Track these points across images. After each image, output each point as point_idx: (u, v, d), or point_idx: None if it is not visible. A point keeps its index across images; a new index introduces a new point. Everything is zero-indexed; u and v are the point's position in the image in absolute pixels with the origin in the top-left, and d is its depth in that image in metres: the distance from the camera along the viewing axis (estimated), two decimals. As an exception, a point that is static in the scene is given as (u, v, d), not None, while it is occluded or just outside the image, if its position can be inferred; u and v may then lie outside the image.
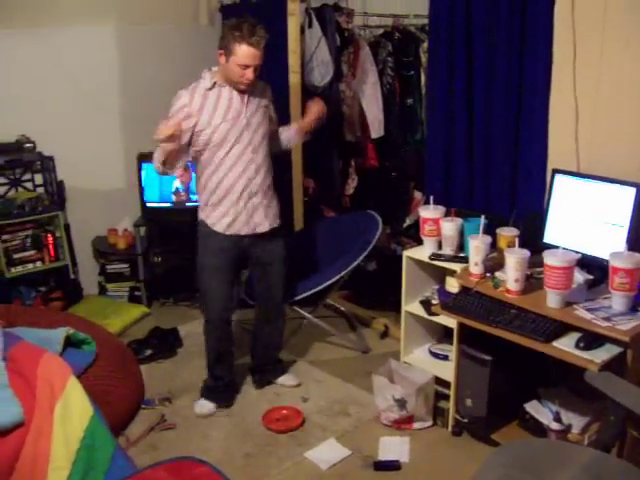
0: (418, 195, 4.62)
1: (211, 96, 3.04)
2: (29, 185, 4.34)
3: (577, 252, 2.62)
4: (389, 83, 4.41)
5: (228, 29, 2.93)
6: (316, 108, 3.34)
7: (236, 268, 3.33)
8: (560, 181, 2.90)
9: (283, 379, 3.63)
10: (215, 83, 3.05)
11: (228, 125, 3.04)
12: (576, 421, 2.82)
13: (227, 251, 3.21)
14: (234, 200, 3.13)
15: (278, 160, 3.86)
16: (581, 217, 2.82)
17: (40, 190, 4.36)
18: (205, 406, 3.40)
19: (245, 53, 2.90)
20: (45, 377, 2.88)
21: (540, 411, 2.93)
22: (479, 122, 3.30)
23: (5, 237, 4.15)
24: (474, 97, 3.29)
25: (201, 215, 3.24)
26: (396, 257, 4.23)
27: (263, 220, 3.22)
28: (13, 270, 4.20)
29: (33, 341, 3.16)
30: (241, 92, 3.06)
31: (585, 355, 2.42)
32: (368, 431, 3.22)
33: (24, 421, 2.72)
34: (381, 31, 4.59)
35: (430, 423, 3.22)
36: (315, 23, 4.27)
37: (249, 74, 2.96)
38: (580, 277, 2.69)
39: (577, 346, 2.46)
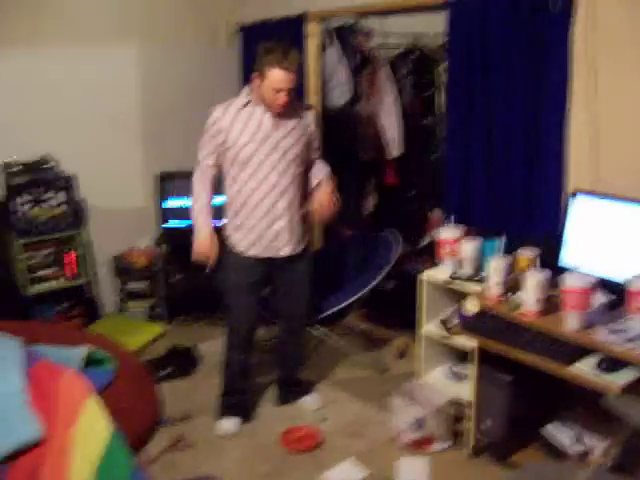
0: (436, 214, 4.62)
1: (243, 114, 3.06)
2: (51, 203, 4.38)
3: (595, 275, 2.60)
4: (408, 102, 4.43)
5: (262, 52, 2.95)
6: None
7: (261, 284, 3.35)
8: (579, 201, 2.89)
9: (304, 400, 3.63)
10: (249, 102, 3.07)
11: (255, 146, 3.05)
12: (597, 444, 2.79)
13: (250, 269, 3.23)
14: (256, 223, 3.14)
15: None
16: (600, 238, 2.80)
17: (62, 208, 4.40)
18: (229, 423, 3.40)
19: (277, 77, 2.91)
20: (65, 395, 2.89)
21: (560, 433, 2.90)
22: (498, 142, 3.29)
23: (27, 254, 4.19)
24: (493, 117, 3.29)
25: (226, 231, 3.26)
26: (414, 276, 4.22)
27: (286, 245, 3.21)
28: (34, 287, 4.23)
29: (53, 359, 3.17)
30: (275, 114, 3.06)
31: (606, 378, 2.40)
32: (387, 452, 3.20)
33: (43, 439, 2.73)
34: (400, 50, 4.61)
35: (449, 444, 3.20)
36: (335, 43, 4.31)
37: (282, 97, 2.96)
38: (600, 299, 2.67)
39: (597, 369, 2.43)
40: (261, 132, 3.06)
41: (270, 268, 3.27)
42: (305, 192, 3.29)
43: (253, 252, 3.19)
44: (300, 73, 4.17)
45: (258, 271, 3.24)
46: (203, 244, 3.16)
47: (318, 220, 3.43)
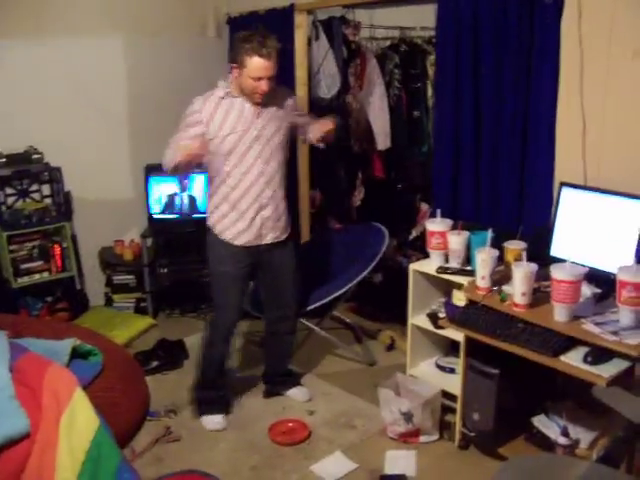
0: (424, 207, 4.61)
1: (223, 105, 3.03)
2: (37, 196, 4.35)
3: (584, 266, 2.61)
4: (396, 95, 4.42)
5: (239, 41, 2.92)
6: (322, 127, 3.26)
7: (246, 276, 3.31)
8: (567, 194, 2.90)
9: (293, 392, 3.62)
10: (228, 93, 3.04)
11: (236, 137, 3.03)
12: (584, 436, 2.80)
13: (236, 259, 3.21)
14: (243, 212, 3.13)
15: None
16: (589, 230, 2.82)
17: (47, 201, 4.37)
18: (215, 419, 3.39)
19: (257, 65, 2.89)
20: (51, 388, 2.87)
21: (547, 425, 2.91)
22: (486, 135, 3.30)
23: (12, 247, 4.17)
24: (481, 110, 3.29)
25: (209, 221, 3.23)
26: (402, 269, 4.22)
27: (270, 232, 3.21)
28: (20, 280, 4.21)
29: (39, 352, 3.14)
30: (256, 104, 3.04)
31: (593, 370, 2.41)
32: (374, 444, 3.21)
33: (30, 433, 2.71)
34: (388, 43, 4.60)
35: (437, 437, 3.21)
36: (322, 35, 4.29)
37: (263, 86, 2.94)
38: (588, 291, 2.68)
39: (585, 360, 2.44)
40: (242, 122, 3.03)
41: (255, 258, 3.24)
42: (287, 180, 3.28)
43: (241, 241, 3.17)
44: (290, 63, 4.17)
45: (245, 260, 3.22)
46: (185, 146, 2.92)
47: (318, 138, 3.30)
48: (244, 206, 3.12)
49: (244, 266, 3.24)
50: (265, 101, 3.04)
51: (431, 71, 4.28)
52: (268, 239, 3.22)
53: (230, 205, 3.13)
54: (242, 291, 3.31)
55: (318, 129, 3.25)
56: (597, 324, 2.50)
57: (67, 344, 3.29)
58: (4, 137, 4.17)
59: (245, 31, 2.95)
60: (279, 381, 3.64)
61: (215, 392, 3.44)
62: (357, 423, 3.39)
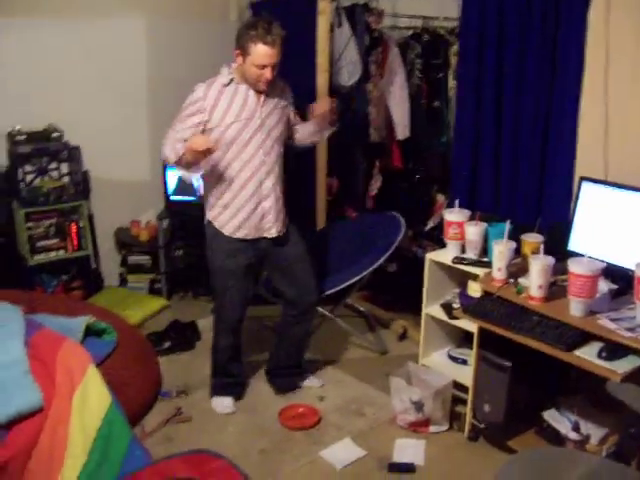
0: (441, 198, 4.59)
1: (227, 93, 2.98)
2: (55, 174, 4.37)
3: (602, 261, 2.59)
4: (417, 85, 4.39)
5: (243, 28, 2.89)
6: (322, 103, 3.22)
7: (250, 268, 3.24)
8: (587, 189, 2.88)
9: (309, 382, 3.61)
10: (232, 80, 2.99)
11: (240, 125, 2.98)
12: (595, 432, 2.80)
13: (238, 252, 3.16)
14: (244, 203, 3.08)
15: (302, 158, 3.87)
16: (607, 226, 2.80)
17: (66, 179, 4.38)
18: (224, 402, 3.39)
19: (261, 52, 2.85)
20: (65, 364, 2.91)
21: (558, 420, 2.90)
22: (507, 127, 3.28)
23: (30, 225, 4.18)
24: (503, 102, 3.27)
25: (208, 215, 3.18)
26: (417, 259, 4.21)
27: (272, 225, 3.16)
28: (36, 258, 4.23)
29: (54, 328, 3.19)
30: (259, 92, 3.01)
31: (607, 365, 2.40)
32: (384, 432, 3.21)
33: (43, 407, 2.74)
34: (410, 32, 4.57)
35: (446, 427, 3.20)
36: (345, 22, 4.26)
37: (267, 74, 2.90)
38: (604, 286, 2.66)
39: (599, 356, 2.43)
40: (246, 111, 2.99)
41: (258, 251, 3.20)
42: (285, 172, 3.24)
43: (241, 234, 3.12)
44: (311, 49, 4.15)
45: (246, 254, 3.17)
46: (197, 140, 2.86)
47: (319, 116, 3.22)
48: (245, 197, 3.07)
49: (246, 260, 3.18)
50: (268, 90, 3.01)
51: (453, 62, 4.24)
52: (271, 232, 3.17)
53: (231, 196, 3.07)
54: (245, 285, 3.25)
55: (317, 107, 3.20)
56: (613, 320, 2.49)
57: (81, 321, 3.34)
58: (24, 115, 4.18)
59: (250, 18, 2.91)
60: (292, 373, 3.58)
61: (227, 378, 3.44)
62: (367, 411, 3.39)
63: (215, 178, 3.09)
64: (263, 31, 2.83)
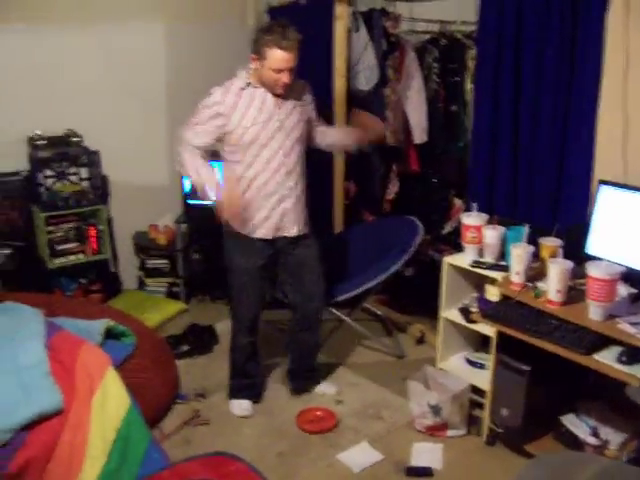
0: (458, 202, 4.58)
1: (244, 96, 2.99)
2: (74, 178, 4.41)
3: (621, 265, 2.58)
4: (434, 89, 4.39)
5: (259, 33, 2.90)
6: (371, 123, 3.28)
7: (267, 269, 3.26)
8: (606, 192, 2.86)
9: (323, 387, 3.61)
10: (249, 84, 3.00)
11: (259, 127, 2.99)
12: (614, 437, 2.78)
13: (257, 252, 3.17)
14: (263, 203, 3.09)
15: (319, 162, 3.87)
16: (626, 229, 2.78)
17: (85, 184, 4.42)
18: (242, 405, 3.41)
19: (277, 57, 2.85)
20: (84, 367, 2.93)
21: (577, 425, 2.89)
22: (525, 130, 3.26)
23: (49, 228, 4.22)
24: (520, 105, 3.26)
25: None
26: (434, 263, 4.21)
27: (292, 226, 3.17)
28: (56, 261, 4.26)
29: (74, 331, 3.22)
30: (276, 95, 3.01)
31: (627, 370, 2.38)
32: (401, 436, 3.21)
33: (63, 409, 2.77)
34: (427, 37, 4.57)
35: (464, 431, 3.20)
36: (362, 27, 4.27)
37: (284, 78, 2.91)
38: (624, 290, 2.65)
39: (619, 360, 2.42)
40: (264, 113, 3.00)
41: (276, 251, 3.22)
42: (306, 172, 3.24)
43: (260, 234, 3.14)
44: (328, 53, 4.17)
45: (264, 254, 3.18)
46: (224, 196, 2.98)
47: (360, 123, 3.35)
48: (265, 197, 3.08)
49: (263, 260, 3.20)
50: (286, 93, 3.02)
51: (471, 65, 4.24)
52: (290, 232, 3.18)
53: (251, 196, 3.08)
54: (261, 285, 3.27)
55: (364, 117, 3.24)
56: (632, 324, 2.48)
57: (101, 324, 3.37)
58: (45, 120, 4.22)
59: (266, 22, 2.92)
60: (307, 377, 3.60)
61: (245, 379, 3.46)
62: (384, 414, 3.39)
63: (237, 179, 3.10)
64: (279, 36, 2.83)
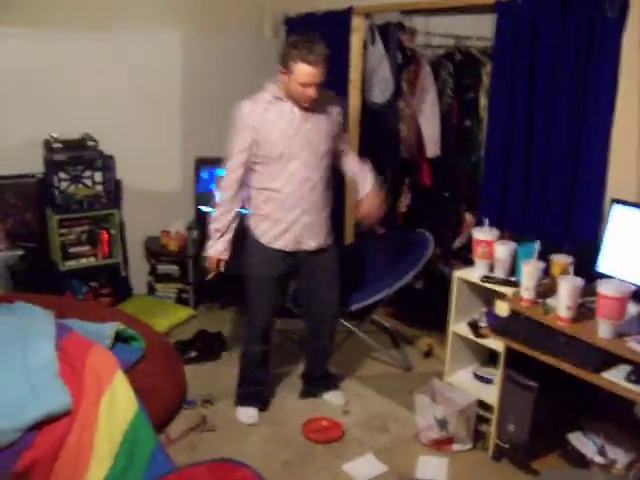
0: (469, 217, 4.59)
1: (272, 110, 3.01)
2: (88, 182, 4.44)
3: (631, 284, 2.58)
4: (448, 103, 4.41)
5: (287, 46, 2.91)
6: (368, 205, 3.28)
7: (283, 277, 3.30)
8: (618, 211, 2.87)
9: (330, 396, 3.62)
10: (277, 97, 3.02)
11: (285, 141, 3.01)
12: (621, 456, 2.77)
13: (275, 262, 3.20)
14: (285, 215, 3.11)
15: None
16: (637, 248, 2.78)
17: (99, 188, 4.46)
18: (249, 413, 3.42)
19: (304, 72, 2.86)
20: (93, 369, 2.95)
21: (584, 443, 2.88)
22: (538, 148, 3.27)
23: (62, 231, 4.25)
24: (534, 122, 3.27)
25: (250, 222, 3.23)
26: (444, 277, 4.21)
27: (312, 239, 3.19)
28: (67, 263, 4.29)
29: (83, 333, 3.23)
30: (303, 109, 3.03)
31: (636, 388, 2.38)
32: (407, 449, 3.21)
33: (71, 410, 2.78)
34: (443, 51, 4.60)
35: (470, 446, 3.19)
36: (378, 40, 4.30)
37: (311, 92, 2.92)
38: (633, 309, 2.65)
39: (628, 379, 2.42)
40: (292, 127, 3.02)
41: (295, 262, 3.24)
42: (332, 183, 3.26)
43: (279, 244, 3.17)
44: (344, 66, 4.19)
45: (282, 264, 3.21)
46: (210, 260, 3.28)
47: (364, 223, 3.43)
48: (287, 210, 3.10)
49: (280, 270, 3.23)
50: (314, 105, 3.03)
51: (486, 81, 4.25)
52: (309, 246, 3.20)
53: (273, 208, 3.11)
54: (276, 294, 3.31)
55: (365, 208, 3.28)
56: (643, 343, 2.47)
57: (111, 327, 3.39)
58: (61, 123, 4.27)
59: (295, 35, 2.94)
60: (316, 383, 3.63)
61: (253, 387, 3.47)
62: (390, 427, 3.39)
63: (260, 189, 3.14)
64: (306, 50, 2.84)
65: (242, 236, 3.27)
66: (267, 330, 3.38)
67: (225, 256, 3.23)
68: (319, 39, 2.91)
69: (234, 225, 3.20)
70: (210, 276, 3.32)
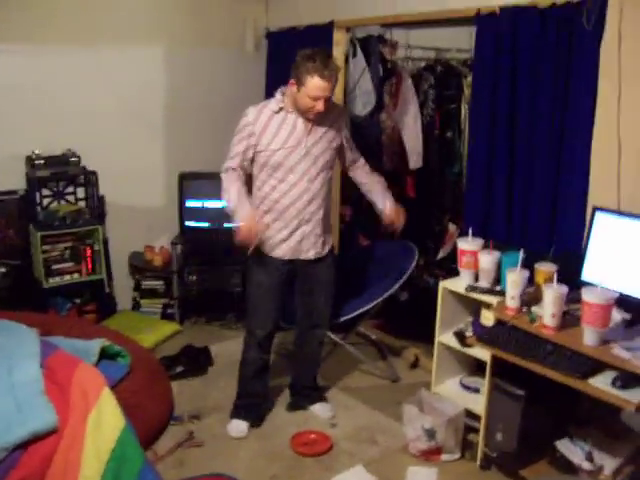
0: (452, 228, 4.62)
1: (276, 120, 3.05)
2: (71, 198, 4.42)
3: (615, 291, 2.60)
4: (429, 115, 4.45)
5: (301, 59, 2.93)
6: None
7: (283, 286, 3.32)
8: (600, 218, 2.89)
9: (316, 408, 3.62)
10: (282, 108, 3.05)
11: (286, 152, 3.05)
12: (608, 462, 2.77)
13: (273, 271, 3.24)
14: (284, 225, 3.15)
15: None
16: (620, 256, 2.81)
17: (82, 204, 4.44)
18: (240, 427, 3.41)
19: (316, 85, 2.89)
20: (80, 386, 2.91)
21: (571, 450, 2.88)
22: (520, 157, 3.30)
23: (45, 248, 4.22)
24: (516, 132, 3.31)
25: None
26: (428, 288, 4.24)
27: (310, 248, 3.23)
28: (51, 280, 4.26)
29: (69, 350, 3.20)
30: (308, 120, 3.05)
31: (622, 394, 2.39)
32: (396, 460, 3.20)
33: (58, 429, 2.75)
34: (424, 64, 4.64)
35: (458, 455, 3.19)
36: (359, 53, 4.33)
37: (319, 106, 2.94)
38: (618, 316, 2.67)
39: (614, 385, 2.43)
40: (293, 139, 3.06)
41: (293, 271, 3.28)
42: (330, 193, 3.31)
43: (278, 253, 3.20)
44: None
45: (281, 273, 3.25)
46: (244, 226, 3.04)
47: (391, 231, 3.51)
48: (286, 220, 3.15)
49: (280, 277, 3.26)
50: (318, 119, 3.07)
51: (467, 92, 4.30)
52: (309, 255, 3.24)
53: (272, 217, 3.16)
54: (277, 301, 3.32)
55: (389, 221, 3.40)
56: (627, 349, 2.49)
57: (96, 344, 3.34)
58: (44, 139, 4.25)
59: (308, 49, 2.96)
60: (304, 394, 3.64)
61: (249, 398, 3.47)
62: (379, 438, 3.38)
63: (259, 199, 3.17)
64: (321, 65, 2.87)
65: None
66: (267, 339, 3.39)
67: (253, 222, 3.06)
68: (331, 55, 2.95)
69: (247, 196, 3.14)
70: (251, 250, 3.13)
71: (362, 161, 3.43)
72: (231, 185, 3.12)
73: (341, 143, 3.25)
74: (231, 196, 3.11)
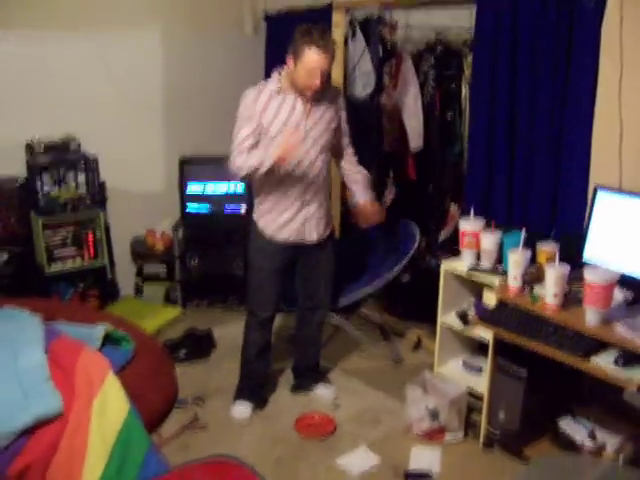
0: (454, 209, 4.61)
1: (274, 102, 3.03)
2: (72, 184, 4.41)
3: (617, 271, 2.60)
4: (430, 96, 4.42)
5: (298, 34, 2.92)
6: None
7: (285, 269, 3.34)
8: (602, 197, 2.89)
9: (320, 390, 3.64)
10: (280, 88, 3.04)
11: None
12: (610, 440, 2.79)
13: (276, 255, 3.25)
14: (286, 208, 3.16)
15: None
16: (622, 235, 2.80)
17: (82, 190, 4.43)
18: (243, 409, 3.43)
19: (313, 57, 2.88)
20: (84, 371, 2.93)
21: (574, 428, 2.90)
22: (521, 136, 3.29)
23: (47, 234, 4.23)
24: (517, 111, 3.29)
25: (254, 215, 3.28)
26: (430, 270, 4.23)
27: (313, 231, 3.24)
28: (53, 266, 4.27)
29: (73, 336, 3.22)
30: (306, 101, 3.04)
31: (624, 373, 2.40)
32: (399, 441, 3.22)
33: (63, 414, 2.77)
34: (424, 44, 4.61)
35: (462, 435, 3.21)
36: (359, 34, 4.30)
37: (316, 80, 2.93)
38: (620, 295, 2.67)
39: (616, 364, 2.44)
40: (292, 121, 3.04)
41: (295, 254, 3.29)
42: (329, 177, 3.30)
43: (281, 237, 3.21)
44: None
45: (283, 257, 3.26)
46: (283, 147, 2.92)
47: (362, 226, 3.47)
48: (288, 203, 3.15)
49: (282, 261, 3.28)
50: (317, 98, 3.05)
51: (467, 73, 4.27)
52: (312, 237, 3.25)
53: (274, 201, 3.17)
54: (278, 285, 3.33)
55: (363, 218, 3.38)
56: (629, 328, 2.49)
57: (100, 330, 3.37)
58: (44, 126, 4.23)
59: (305, 24, 2.95)
60: (307, 375, 3.66)
61: (252, 380, 3.49)
62: (382, 419, 3.40)
63: (261, 182, 3.17)
64: (317, 37, 2.88)
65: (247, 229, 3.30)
66: (268, 320, 3.41)
67: (286, 143, 2.94)
68: (328, 29, 2.92)
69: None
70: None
71: (351, 150, 3.42)
72: (244, 160, 3.01)
73: (339, 124, 3.24)
74: (252, 160, 3.00)
